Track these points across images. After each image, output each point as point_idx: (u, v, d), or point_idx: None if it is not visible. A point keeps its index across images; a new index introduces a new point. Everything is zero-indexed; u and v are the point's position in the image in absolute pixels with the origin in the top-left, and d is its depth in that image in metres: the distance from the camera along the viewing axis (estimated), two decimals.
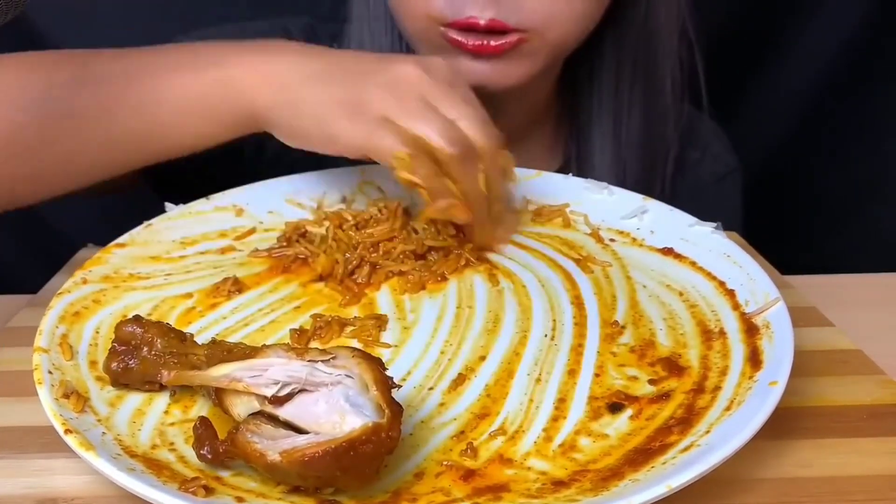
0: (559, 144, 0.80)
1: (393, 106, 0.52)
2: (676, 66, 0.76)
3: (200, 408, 0.41)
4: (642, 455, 0.37)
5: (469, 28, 0.63)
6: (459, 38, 0.64)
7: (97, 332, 0.46)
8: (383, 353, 0.46)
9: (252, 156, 0.74)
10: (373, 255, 0.54)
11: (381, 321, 0.48)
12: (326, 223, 0.56)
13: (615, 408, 0.41)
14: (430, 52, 0.67)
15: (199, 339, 0.45)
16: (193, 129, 0.57)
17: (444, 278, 0.53)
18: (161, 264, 0.54)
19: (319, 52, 0.57)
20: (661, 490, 0.33)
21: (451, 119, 0.52)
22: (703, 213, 0.57)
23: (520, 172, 0.65)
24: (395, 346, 0.47)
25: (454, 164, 0.52)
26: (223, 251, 0.56)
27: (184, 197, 0.60)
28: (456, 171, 0.52)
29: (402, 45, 0.74)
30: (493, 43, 0.64)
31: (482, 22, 0.63)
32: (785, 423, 0.40)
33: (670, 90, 0.76)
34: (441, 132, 0.51)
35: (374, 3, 0.74)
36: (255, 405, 0.37)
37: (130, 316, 0.44)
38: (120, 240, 0.55)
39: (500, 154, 0.55)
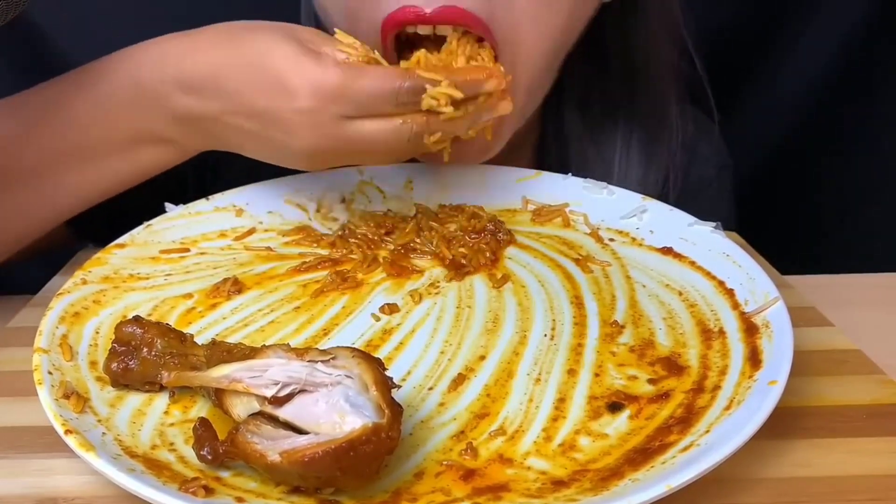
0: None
1: (326, 148, 0.52)
2: (679, 83, 0.74)
3: (200, 408, 0.41)
4: (642, 455, 0.37)
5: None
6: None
7: (97, 333, 0.46)
8: (383, 353, 0.46)
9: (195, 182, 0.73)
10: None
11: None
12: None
13: (615, 407, 0.41)
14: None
15: (199, 340, 0.45)
16: (117, 170, 0.58)
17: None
18: (161, 265, 0.54)
19: (200, 79, 0.54)
20: (660, 490, 0.33)
21: (368, 101, 0.51)
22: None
23: (519, 172, 0.66)
24: (396, 346, 0.47)
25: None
26: (223, 251, 0.57)
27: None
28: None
29: None
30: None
31: (428, 11, 0.56)
32: (784, 423, 0.40)
33: (676, 111, 0.73)
34: (384, 139, 0.51)
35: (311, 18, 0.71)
36: (255, 406, 0.37)
37: (130, 316, 0.44)
38: (120, 240, 0.55)
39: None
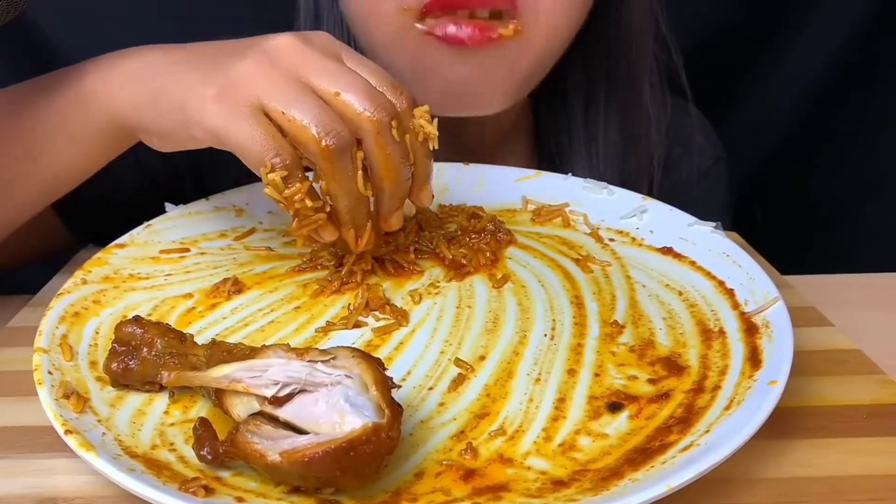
0: (534, 159, 0.79)
1: (262, 85, 0.45)
2: (654, 69, 0.74)
3: (200, 408, 0.41)
4: (642, 455, 0.37)
5: (454, 9, 0.57)
6: (445, 31, 0.57)
7: (97, 333, 0.46)
8: (383, 353, 0.46)
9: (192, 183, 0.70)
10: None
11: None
12: None
13: (615, 407, 0.41)
14: (404, 60, 0.62)
15: (199, 340, 0.45)
16: (73, 155, 0.53)
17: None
18: (161, 264, 0.54)
19: (185, 45, 0.51)
20: (660, 490, 0.33)
21: (332, 92, 0.45)
22: (688, 210, 0.57)
23: (519, 172, 0.66)
24: (395, 346, 0.47)
25: (324, 161, 0.44)
26: (223, 251, 0.57)
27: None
28: (326, 168, 0.45)
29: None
30: (480, 32, 0.57)
31: None
32: (784, 423, 0.40)
33: (650, 95, 0.74)
34: (314, 119, 0.44)
35: (326, 14, 0.71)
36: (255, 406, 0.37)
37: (130, 316, 0.44)
38: (120, 240, 0.55)
39: (417, 113, 0.48)
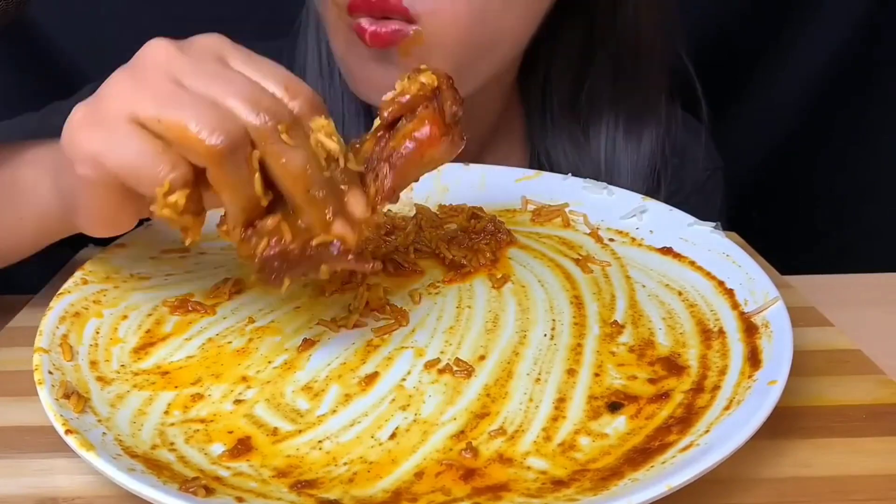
0: (524, 165, 0.77)
1: (130, 96, 0.39)
2: (666, 80, 0.73)
3: (201, 408, 0.41)
4: (642, 454, 0.37)
5: (364, 8, 0.58)
6: (360, 23, 0.59)
7: (98, 333, 0.46)
8: (383, 353, 0.46)
9: None
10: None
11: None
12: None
13: (614, 407, 0.41)
14: (339, 50, 0.64)
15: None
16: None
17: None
18: (161, 265, 0.54)
19: None
20: (660, 489, 0.33)
21: (209, 98, 0.38)
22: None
23: (519, 172, 0.66)
24: (396, 346, 0.47)
25: (211, 164, 0.38)
26: (223, 251, 0.57)
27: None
28: (216, 174, 0.38)
29: (328, 58, 0.71)
30: (382, 30, 0.58)
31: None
32: (784, 423, 0.40)
33: (665, 111, 0.74)
34: (192, 116, 0.37)
35: (311, 11, 0.71)
36: None
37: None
38: (120, 240, 0.55)
39: (315, 127, 0.40)
